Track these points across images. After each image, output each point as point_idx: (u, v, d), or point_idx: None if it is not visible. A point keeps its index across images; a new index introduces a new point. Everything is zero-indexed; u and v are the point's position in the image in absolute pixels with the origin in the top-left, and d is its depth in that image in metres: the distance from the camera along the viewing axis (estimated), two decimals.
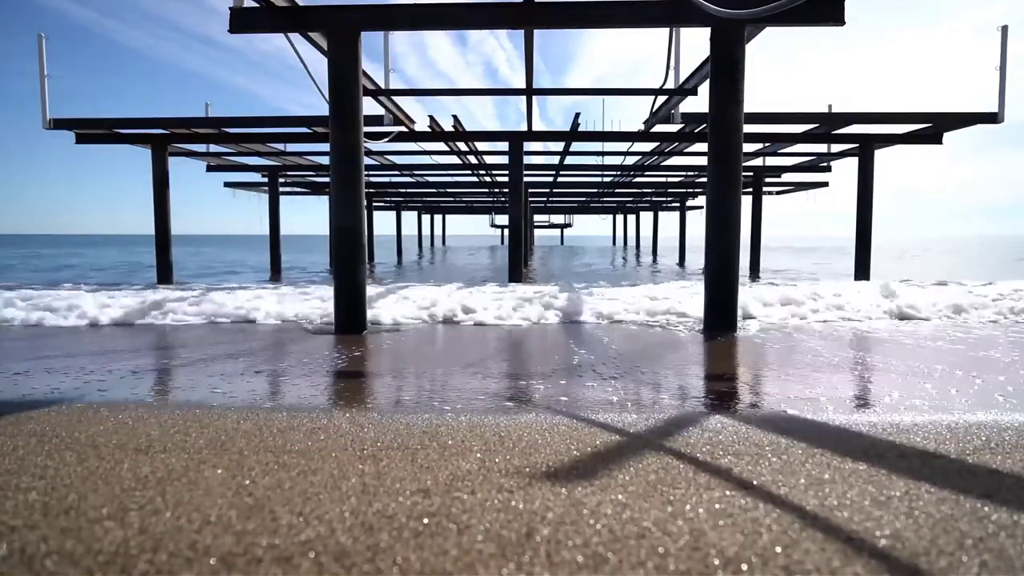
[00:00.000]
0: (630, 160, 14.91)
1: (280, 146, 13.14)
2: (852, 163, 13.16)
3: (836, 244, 51.24)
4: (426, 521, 1.79)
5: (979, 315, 6.87)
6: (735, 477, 2.13)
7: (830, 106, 10.34)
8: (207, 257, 29.22)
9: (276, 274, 16.03)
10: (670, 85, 8.06)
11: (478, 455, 2.37)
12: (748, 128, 8.31)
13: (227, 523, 1.77)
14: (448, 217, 46.08)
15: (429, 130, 11.15)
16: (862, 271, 12.76)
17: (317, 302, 7.72)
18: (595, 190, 22.58)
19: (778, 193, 21.56)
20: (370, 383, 3.96)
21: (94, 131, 11.15)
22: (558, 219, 47.80)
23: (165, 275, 12.30)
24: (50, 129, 10.17)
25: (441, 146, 12.52)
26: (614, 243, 47.54)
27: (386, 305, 7.36)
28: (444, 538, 1.68)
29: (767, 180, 18.27)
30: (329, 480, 2.11)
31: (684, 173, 17.45)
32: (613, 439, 2.58)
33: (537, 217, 42.90)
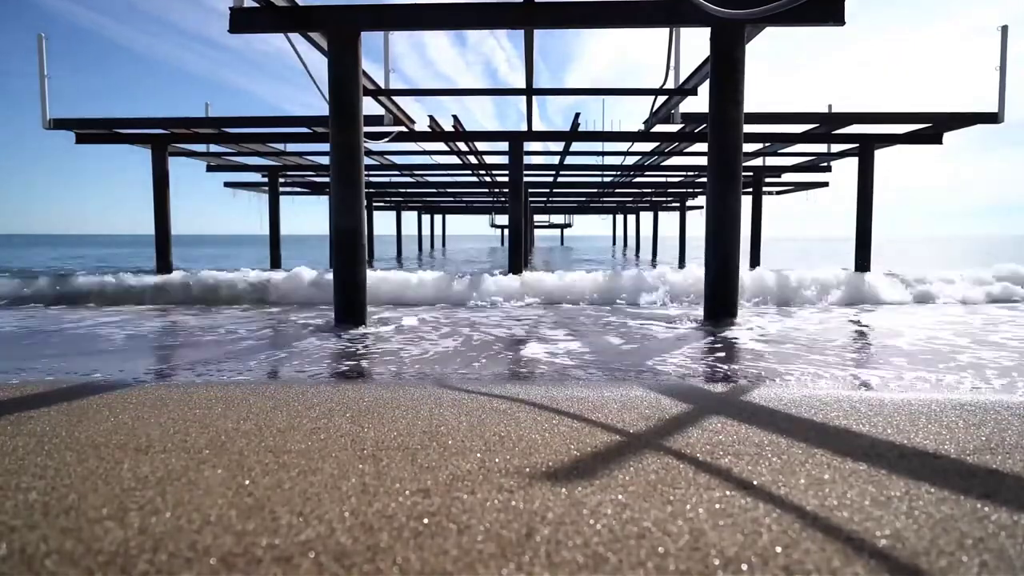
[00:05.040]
0: (630, 160, 14.91)
1: (280, 146, 13.14)
2: (852, 163, 13.16)
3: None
4: (426, 521, 1.79)
5: None
6: (735, 477, 2.13)
7: (830, 106, 10.34)
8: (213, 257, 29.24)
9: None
10: (670, 85, 8.06)
11: (478, 455, 2.37)
12: (748, 128, 8.31)
13: (227, 523, 1.77)
14: (448, 217, 46.06)
15: (429, 130, 11.15)
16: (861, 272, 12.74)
17: None
18: (595, 190, 22.58)
19: (778, 193, 21.56)
20: (370, 384, 3.96)
21: (94, 131, 11.16)
22: (558, 219, 47.78)
23: None
24: (50, 129, 10.17)
25: (441, 146, 12.52)
26: (614, 243, 47.49)
27: None
28: (444, 538, 1.68)
29: (767, 180, 18.27)
30: (329, 480, 2.11)
31: (684, 173, 17.45)
32: (613, 439, 2.58)
33: (537, 217, 42.86)
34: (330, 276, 8.45)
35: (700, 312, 7.01)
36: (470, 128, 12.30)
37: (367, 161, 13.65)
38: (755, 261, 17.03)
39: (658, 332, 6.09)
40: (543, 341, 5.70)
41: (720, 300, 6.11)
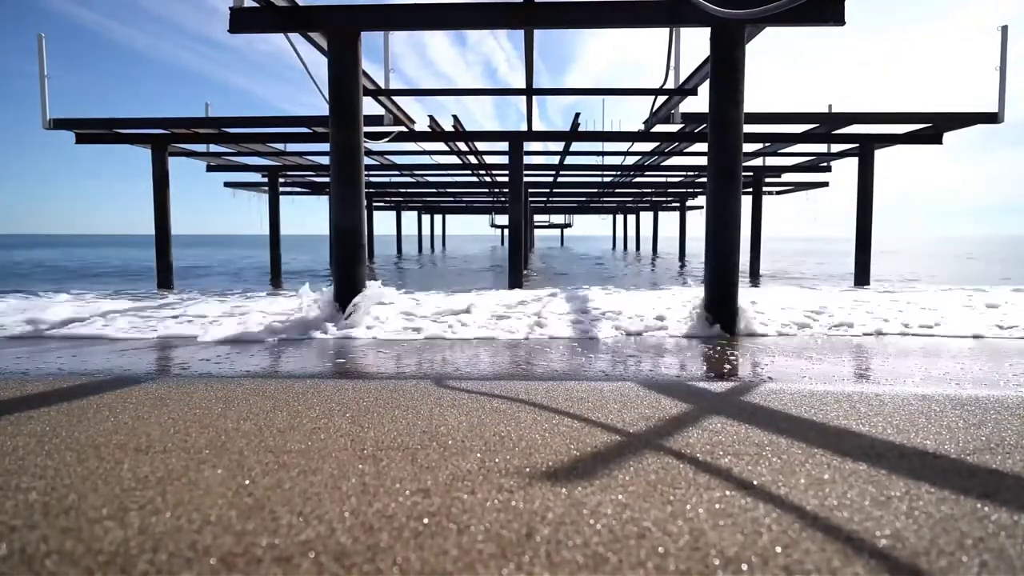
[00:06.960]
0: (630, 160, 14.91)
1: (280, 146, 13.13)
2: (852, 163, 13.16)
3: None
4: (426, 521, 1.79)
5: None
6: (735, 477, 2.13)
7: (830, 106, 10.33)
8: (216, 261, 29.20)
9: (276, 276, 15.99)
10: (670, 85, 8.05)
11: (478, 455, 2.37)
12: (748, 128, 8.31)
13: (227, 523, 1.77)
14: (448, 217, 46.08)
15: (429, 130, 11.14)
16: (862, 272, 12.75)
17: None
18: (595, 190, 22.58)
19: (778, 193, 21.56)
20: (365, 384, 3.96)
21: (94, 131, 11.15)
22: (558, 219, 47.82)
23: (165, 277, 12.27)
24: (50, 129, 10.16)
25: (441, 146, 12.52)
26: (614, 244, 47.50)
27: None
28: (444, 538, 1.68)
29: (767, 180, 18.27)
30: (329, 480, 2.11)
31: (684, 173, 17.45)
32: (613, 439, 2.58)
33: (537, 217, 42.89)
34: None
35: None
36: (470, 128, 12.30)
37: (367, 161, 13.65)
38: (755, 261, 17.03)
39: (657, 334, 6.09)
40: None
41: (720, 301, 6.12)
